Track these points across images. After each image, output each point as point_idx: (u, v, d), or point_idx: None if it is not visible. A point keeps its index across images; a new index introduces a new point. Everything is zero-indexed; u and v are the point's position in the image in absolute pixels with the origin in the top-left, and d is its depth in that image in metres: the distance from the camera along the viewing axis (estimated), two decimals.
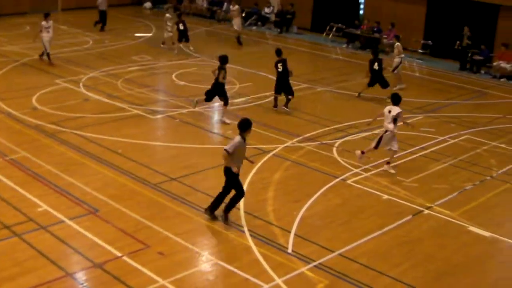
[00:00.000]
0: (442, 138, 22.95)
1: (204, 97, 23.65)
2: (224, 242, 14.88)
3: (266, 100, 26.20)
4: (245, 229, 15.43)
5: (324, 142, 21.77)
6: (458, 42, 35.32)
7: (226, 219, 15.65)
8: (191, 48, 34.54)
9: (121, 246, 14.28)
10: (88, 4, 44.78)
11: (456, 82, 32.17)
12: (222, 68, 23.11)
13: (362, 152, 19.74)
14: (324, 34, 41.14)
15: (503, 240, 16.07)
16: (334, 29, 41.01)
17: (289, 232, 15.33)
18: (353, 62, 34.99)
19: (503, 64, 33.80)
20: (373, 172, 19.58)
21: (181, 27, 34.21)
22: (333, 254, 14.46)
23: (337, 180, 18.77)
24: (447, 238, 15.94)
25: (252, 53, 35.56)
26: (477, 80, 33.04)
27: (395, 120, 19.31)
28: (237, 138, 15.43)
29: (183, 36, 34.41)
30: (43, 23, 29.90)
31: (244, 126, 15.47)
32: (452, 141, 22.84)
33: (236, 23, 38.48)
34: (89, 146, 20.29)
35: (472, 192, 18.76)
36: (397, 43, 29.95)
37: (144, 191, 17.32)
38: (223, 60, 23.29)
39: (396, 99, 19.54)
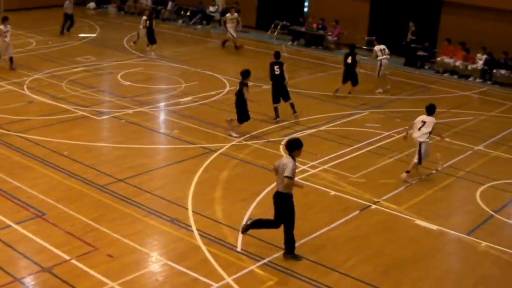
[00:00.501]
0: (387, 133, 23.17)
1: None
2: (173, 242, 14.83)
3: (212, 98, 26.19)
4: (194, 228, 15.41)
5: (270, 139, 21.83)
6: (405, 38, 35.73)
7: (245, 230, 14.88)
8: (152, 53, 34.19)
9: (69, 249, 14.15)
10: (31, 5, 44.29)
11: (401, 77, 32.50)
12: (244, 84, 22.18)
13: (407, 172, 19.42)
14: (269, 32, 41.23)
15: (449, 232, 16.28)
16: (279, 27, 41.11)
17: (238, 230, 15.32)
18: (298, 59, 35.11)
19: (447, 59, 34.26)
20: (320, 168, 19.69)
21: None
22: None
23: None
24: (394, 233, 16.11)
25: (197, 52, 35.48)
26: (421, 75, 33.43)
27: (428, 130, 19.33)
28: (290, 160, 13.89)
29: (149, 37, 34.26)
30: (1, 27, 29.13)
31: (294, 146, 14.05)
32: (398, 136, 23.05)
33: (233, 29, 37.43)
34: (35, 149, 20.06)
35: (418, 186, 18.99)
36: (374, 48, 30.13)
37: (91, 193, 17.19)
38: (245, 74, 22.32)
39: (431, 110, 19.56)
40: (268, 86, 26.78)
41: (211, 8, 44.61)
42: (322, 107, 25.82)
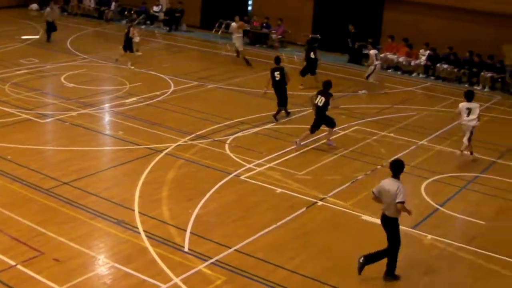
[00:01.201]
0: (333, 130, 23.26)
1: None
2: (120, 244, 14.73)
3: (157, 99, 26.07)
4: (141, 230, 15.33)
5: (216, 139, 21.82)
6: (349, 39, 35.91)
7: (361, 270, 14.04)
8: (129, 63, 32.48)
9: (15, 254, 13.96)
10: None
11: (345, 74, 32.73)
12: (329, 93, 21.69)
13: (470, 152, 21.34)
14: (214, 31, 41.16)
15: None
16: (223, 26, 41.07)
17: (185, 230, 15.31)
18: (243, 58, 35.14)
19: (390, 56, 34.60)
20: (266, 166, 19.73)
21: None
22: (230, 250, 14.53)
23: (231, 176, 18.84)
24: (341, 228, 16.23)
25: (141, 52, 35.26)
26: (365, 72, 33.63)
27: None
28: (400, 183, 13.58)
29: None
30: None
31: (401, 168, 13.86)
32: (343, 132, 23.23)
33: (239, 41, 34.57)
34: None
35: (364, 182, 19.14)
36: (370, 52, 30.19)
37: (37, 197, 16.99)
38: (327, 85, 21.78)
39: (469, 95, 21.05)
40: (213, 85, 26.84)
41: (155, 8, 44.39)
42: (268, 105, 25.86)
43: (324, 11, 38.48)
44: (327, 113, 21.69)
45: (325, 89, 21.62)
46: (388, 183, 13.66)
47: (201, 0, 43.35)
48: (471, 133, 21.06)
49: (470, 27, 33.25)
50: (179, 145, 21.13)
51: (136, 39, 32.41)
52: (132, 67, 31.05)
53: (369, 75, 29.61)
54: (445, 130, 24.14)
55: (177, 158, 20.02)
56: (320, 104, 21.51)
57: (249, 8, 42.13)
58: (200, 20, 43.49)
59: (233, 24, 34.69)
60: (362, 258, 13.98)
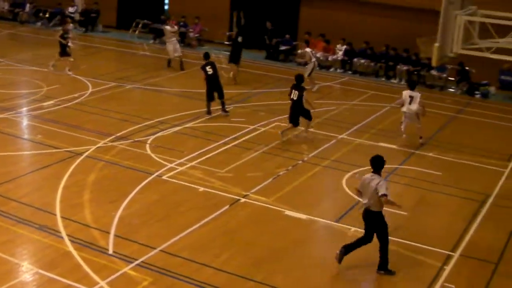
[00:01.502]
0: (253, 127, 23.40)
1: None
2: (43, 250, 14.50)
3: (76, 101, 25.74)
4: (64, 234, 15.12)
5: (136, 139, 21.68)
6: (266, 36, 36.03)
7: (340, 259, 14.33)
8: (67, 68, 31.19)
9: None
10: None
11: (263, 71, 32.87)
12: (301, 87, 22.38)
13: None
14: (130, 31, 40.87)
15: (318, 220, 16.64)
16: (140, 25, 40.82)
17: (109, 233, 15.18)
18: (160, 57, 34.87)
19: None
20: (187, 165, 19.70)
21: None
22: (155, 251, 14.46)
23: (153, 176, 18.75)
24: (265, 224, 16.31)
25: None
26: (283, 68, 33.89)
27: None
28: (379, 177, 13.93)
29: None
30: None
31: (382, 163, 14.23)
32: (263, 129, 23.35)
33: (173, 46, 32.57)
34: None
35: (285, 177, 19.27)
36: (306, 50, 30.27)
37: None
38: (299, 79, 22.53)
39: (412, 84, 23.08)
40: (131, 86, 26.69)
41: (70, 9, 43.74)
42: (186, 104, 25.84)
43: (241, 8, 38.49)
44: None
45: (298, 83, 22.32)
46: (369, 178, 13.97)
47: (117, 0, 42.98)
48: (418, 118, 22.63)
49: (385, 22, 33.76)
50: (99, 147, 20.91)
51: (70, 44, 31.49)
52: (70, 72, 30.22)
53: (309, 73, 29.77)
54: (364, 124, 24.48)
55: (97, 160, 19.82)
56: (295, 98, 22.14)
57: (166, 7, 41.94)
58: (116, 20, 43.11)
59: (167, 27, 33.14)
60: (342, 249, 14.21)
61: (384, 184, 13.73)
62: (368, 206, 14.00)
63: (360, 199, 14.39)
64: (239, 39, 30.06)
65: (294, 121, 22.44)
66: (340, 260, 14.27)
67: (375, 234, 14.18)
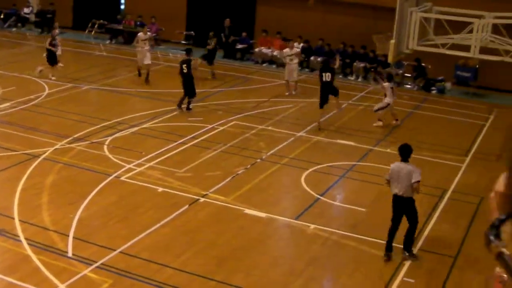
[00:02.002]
0: (211, 126, 23.39)
1: None
2: (2, 254, 14.35)
3: (32, 103, 25.50)
4: (22, 238, 14.98)
5: (94, 141, 21.54)
6: (223, 34, 35.96)
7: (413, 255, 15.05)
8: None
9: None
10: None
11: (221, 70, 32.78)
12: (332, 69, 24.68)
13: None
14: (87, 31, 40.62)
15: (278, 218, 16.67)
16: (96, 26, 40.56)
17: (67, 235, 15.07)
18: (117, 57, 34.79)
19: (264, 50, 34.92)
20: (146, 166, 19.63)
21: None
22: (114, 253, 14.40)
23: (111, 177, 18.65)
24: (225, 223, 16.31)
25: (13, 55, 34.45)
26: (240, 66, 33.90)
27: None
28: (412, 165, 14.60)
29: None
30: None
31: (411, 151, 14.76)
32: (221, 128, 23.34)
33: (143, 54, 29.96)
34: None
35: (244, 176, 19.29)
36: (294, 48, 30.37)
37: None
38: (327, 62, 25.05)
39: (391, 77, 25.44)
40: (88, 86, 26.52)
41: (26, 10, 43.35)
42: (144, 104, 25.76)
43: (198, 7, 38.49)
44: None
45: (327, 66, 24.48)
46: (400, 166, 14.58)
47: (73, 0, 42.63)
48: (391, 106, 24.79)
49: (341, 19, 33.94)
50: (56, 149, 20.75)
51: (59, 51, 30.66)
52: (54, 78, 29.57)
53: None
54: (322, 121, 24.54)
55: (55, 162, 19.65)
56: (328, 79, 24.11)
57: (122, 6, 41.72)
58: (72, 21, 42.78)
59: (140, 34, 30.77)
60: (406, 253, 14.95)
61: (418, 171, 14.41)
62: (401, 194, 14.49)
63: (391, 188, 14.76)
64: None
65: (326, 101, 24.29)
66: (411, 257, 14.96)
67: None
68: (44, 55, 29.87)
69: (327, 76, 24.06)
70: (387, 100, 24.50)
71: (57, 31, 31.37)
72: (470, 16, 23.79)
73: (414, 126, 25.41)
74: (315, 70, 33.14)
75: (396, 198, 14.61)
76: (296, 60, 29.25)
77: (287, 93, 28.71)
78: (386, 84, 24.71)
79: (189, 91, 25.15)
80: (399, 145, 15.04)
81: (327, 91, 24.21)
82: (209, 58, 31.10)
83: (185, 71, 24.97)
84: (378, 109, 24.57)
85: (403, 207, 14.60)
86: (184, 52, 26.32)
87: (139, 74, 30.16)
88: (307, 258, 14.69)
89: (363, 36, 32.28)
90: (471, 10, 24.28)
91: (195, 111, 25.18)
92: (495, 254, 3.94)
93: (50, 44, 29.73)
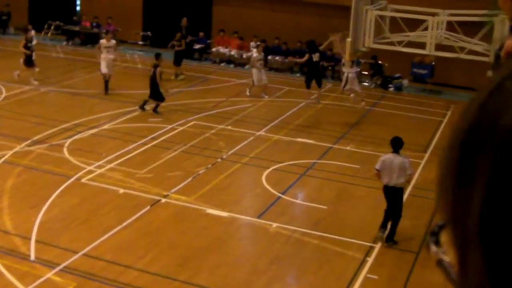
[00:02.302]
0: (170, 126, 23.38)
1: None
2: None
3: None
4: None
5: (54, 143, 21.42)
6: (179, 33, 35.77)
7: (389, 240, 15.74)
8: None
9: None
10: None
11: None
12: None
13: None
14: (43, 33, 40.26)
15: (240, 218, 16.76)
16: (52, 27, 40.25)
17: (29, 239, 15.00)
18: (74, 59, 34.54)
19: (222, 49, 34.95)
20: (106, 167, 19.58)
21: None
22: (77, 255, 14.36)
23: (72, 180, 18.57)
24: (187, 224, 16.36)
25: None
26: (198, 66, 33.88)
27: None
28: (404, 157, 15.58)
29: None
30: None
31: (401, 144, 15.66)
32: (181, 128, 23.35)
33: (106, 62, 28.12)
34: None
35: (205, 176, 19.33)
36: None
37: None
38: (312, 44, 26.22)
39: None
40: (46, 89, 26.39)
41: None
42: (103, 105, 25.67)
43: (154, 7, 38.40)
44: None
45: (314, 46, 25.96)
46: (393, 158, 15.33)
47: (28, 1, 42.26)
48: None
49: (297, 18, 34.09)
50: (15, 152, 20.57)
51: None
52: (36, 82, 28.77)
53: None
54: (281, 120, 24.69)
55: (15, 166, 19.50)
56: (318, 59, 25.80)
57: (78, 7, 41.47)
58: (28, 22, 42.34)
59: (102, 41, 29.53)
60: (386, 233, 15.64)
61: (410, 162, 15.55)
62: (392, 184, 15.16)
63: (382, 178, 15.45)
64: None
65: (311, 81, 25.61)
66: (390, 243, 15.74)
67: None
68: (22, 59, 29.32)
69: (316, 56, 25.47)
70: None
71: (32, 33, 30.90)
72: (425, 14, 24.09)
73: (373, 123, 25.63)
74: (272, 69, 33.30)
75: (388, 189, 15.36)
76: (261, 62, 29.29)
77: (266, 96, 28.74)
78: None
79: (156, 95, 25.11)
80: (391, 138, 15.93)
81: (316, 71, 25.84)
82: (177, 59, 31.16)
83: (150, 74, 25.03)
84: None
85: (395, 196, 15.28)
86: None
87: (106, 88, 27.84)
88: (270, 256, 14.79)
89: (319, 35, 32.45)
90: (425, 8, 24.57)
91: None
92: (435, 261, 4.02)
93: (25, 47, 29.26)
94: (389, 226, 15.50)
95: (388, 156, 15.39)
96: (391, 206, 15.41)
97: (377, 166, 15.44)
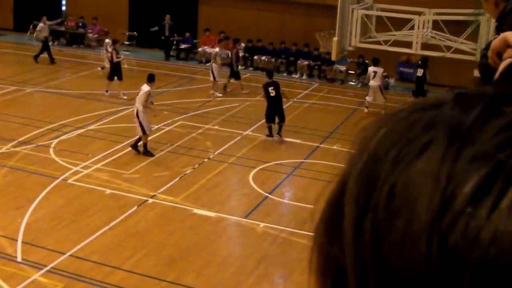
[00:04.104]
0: (157, 126, 23.29)
1: None
2: None
3: None
4: None
5: (39, 144, 21.34)
6: (162, 33, 35.61)
7: None
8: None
9: None
10: None
11: (165, 70, 32.67)
12: None
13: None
14: (28, 33, 40.09)
15: (227, 217, 16.74)
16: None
17: (16, 240, 14.94)
18: (60, 59, 34.38)
19: (208, 49, 34.87)
20: (93, 168, 19.53)
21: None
22: (64, 256, 14.31)
23: (58, 180, 18.50)
24: (174, 224, 16.32)
25: None
26: (184, 66, 33.85)
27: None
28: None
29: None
30: None
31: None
32: (167, 128, 23.31)
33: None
34: None
35: (192, 176, 19.31)
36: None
37: None
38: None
39: (375, 61, 26.81)
40: (32, 89, 26.31)
41: None
42: (89, 106, 25.60)
43: (140, 7, 38.31)
44: None
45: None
46: None
47: (13, 1, 42.08)
48: (381, 90, 26.76)
49: (284, 17, 34.14)
50: (1, 153, 20.49)
51: None
52: (125, 97, 28.16)
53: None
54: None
55: (0, 167, 19.42)
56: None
57: (63, 8, 41.33)
58: (13, 23, 42.22)
59: (108, 40, 29.66)
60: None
61: None
62: None
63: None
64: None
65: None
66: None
67: None
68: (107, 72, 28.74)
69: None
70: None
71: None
72: (411, 13, 24.14)
73: (359, 122, 25.61)
74: (258, 69, 33.31)
75: None
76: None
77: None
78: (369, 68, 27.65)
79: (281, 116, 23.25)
80: None
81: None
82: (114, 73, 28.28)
83: (272, 94, 22.90)
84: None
85: None
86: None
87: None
88: (257, 256, 14.78)
89: (306, 34, 32.52)
90: (411, 7, 24.62)
91: None
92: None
93: (112, 58, 27.99)
94: None
95: None
96: None
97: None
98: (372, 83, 26.58)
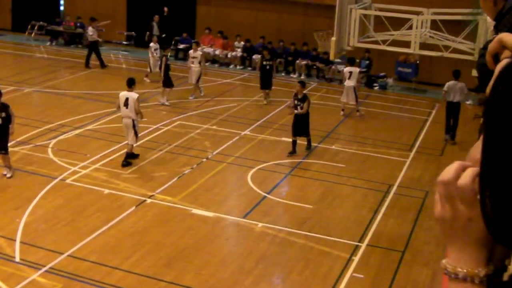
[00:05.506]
0: (155, 126, 23.32)
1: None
2: None
3: None
4: None
5: (38, 144, 21.33)
6: (148, 33, 35.09)
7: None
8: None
9: None
10: None
11: None
12: None
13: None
14: (26, 33, 40.11)
15: (226, 218, 16.73)
16: (36, 28, 40.09)
17: (14, 240, 14.93)
18: (58, 59, 34.42)
19: (206, 49, 34.85)
20: (91, 168, 19.51)
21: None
22: (63, 256, 14.30)
23: (56, 180, 18.49)
24: (172, 224, 16.31)
25: None
26: (183, 66, 33.73)
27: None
28: (462, 83, 22.63)
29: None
30: None
31: (459, 73, 22.65)
32: (166, 128, 23.30)
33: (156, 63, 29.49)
34: None
35: (191, 176, 19.29)
36: None
37: None
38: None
39: (351, 61, 26.52)
40: (30, 89, 26.29)
41: None
42: (87, 106, 25.58)
43: (138, 7, 38.30)
44: None
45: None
46: (454, 83, 22.66)
47: (12, 2, 42.07)
48: (355, 91, 25.91)
49: (282, 17, 34.15)
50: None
51: None
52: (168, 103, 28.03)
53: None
54: (265, 119, 24.68)
55: None
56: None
57: (61, 8, 41.32)
58: (11, 23, 42.22)
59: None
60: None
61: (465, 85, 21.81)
62: (456, 100, 22.91)
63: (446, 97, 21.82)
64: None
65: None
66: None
67: None
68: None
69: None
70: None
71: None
72: (409, 13, 24.16)
73: (358, 122, 25.69)
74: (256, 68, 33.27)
75: (450, 104, 22.83)
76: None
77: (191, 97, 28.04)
78: (345, 68, 26.98)
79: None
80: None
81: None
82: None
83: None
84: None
85: (455, 109, 22.82)
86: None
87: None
88: (256, 256, 14.77)
89: (304, 34, 32.52)
90: (410, 6, 24.65)
91: None
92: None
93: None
94: None
95: (451, 82, 22.61)
96: (449, 117, 23.14)
97: (445, 88, 22.64)
98: (347, 83, 26.03)
